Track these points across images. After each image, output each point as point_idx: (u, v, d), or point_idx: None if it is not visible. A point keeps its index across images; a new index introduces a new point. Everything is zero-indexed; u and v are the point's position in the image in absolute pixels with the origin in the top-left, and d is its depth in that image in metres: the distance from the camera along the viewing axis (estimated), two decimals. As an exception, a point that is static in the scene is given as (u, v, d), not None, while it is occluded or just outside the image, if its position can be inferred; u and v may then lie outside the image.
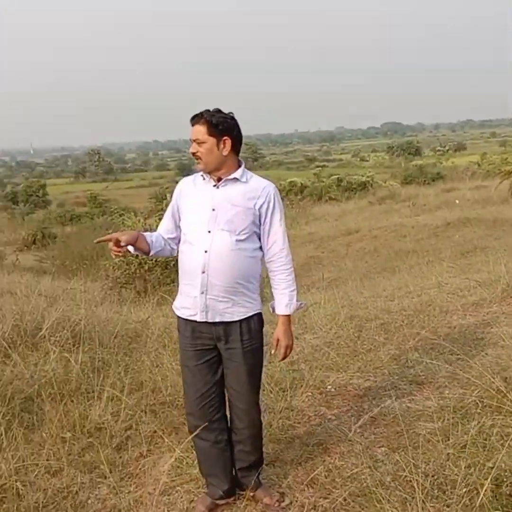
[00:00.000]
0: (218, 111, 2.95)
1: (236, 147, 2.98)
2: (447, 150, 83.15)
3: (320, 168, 56.87)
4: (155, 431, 3.88)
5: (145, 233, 3.08)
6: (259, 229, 3.00)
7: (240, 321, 2.99)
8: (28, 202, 51.07)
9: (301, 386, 4.61)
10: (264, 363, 3.11)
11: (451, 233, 15.39)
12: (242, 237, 2.94)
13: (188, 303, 3.00)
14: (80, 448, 3.72)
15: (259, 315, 3.05)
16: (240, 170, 2.99)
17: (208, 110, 2.94)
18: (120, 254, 2.94)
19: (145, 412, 4.15)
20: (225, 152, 2.92)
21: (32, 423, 3.97)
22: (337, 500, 3.03)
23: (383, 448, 3.58)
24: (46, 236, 25.14)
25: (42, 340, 5.25)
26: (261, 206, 2.96)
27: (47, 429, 3.90)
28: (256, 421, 3.11)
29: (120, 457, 3.65)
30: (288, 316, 3.05)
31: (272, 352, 3.10)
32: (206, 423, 3.03)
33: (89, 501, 3.25)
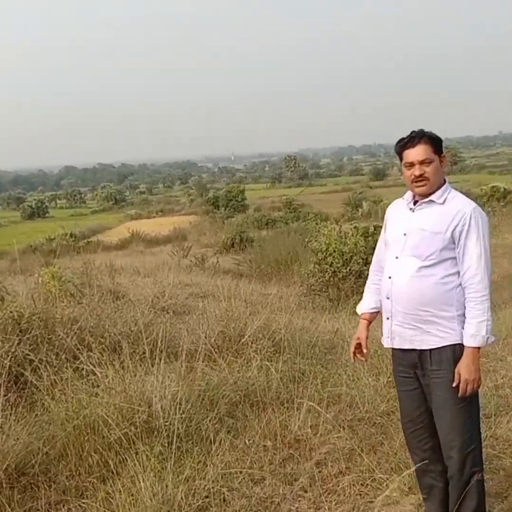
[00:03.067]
0: (422, 131, 2.92)
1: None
2: None
3: (525, 171, 53.07)
4: (353, 449, 3.90)
5: (368, 302, 3.22)
6: (455, 254, 2.86)
7: (431, 350, 2.87)
8: (228, 206, 53.73)
9: (507, 413, 4.35)
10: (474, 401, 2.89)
11: None
12: (428, 263, 2.83)
13: (383, 328, 3.03)
14: (281, 458, 3.85)
15: (457, 346, 2.84)
16: (439, 191, 2.90)
17: (414, 131, 2.92)
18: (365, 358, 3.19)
19: (343, 428, 4.18)
20: (445, 169, 2.90)
21: (236, 429, 4.19)
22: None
23: None
24: (243, 240, 26.19)
25: (245, 347, 5.50)
26: (454, 230, 2.81)
27: (250, 437, 4.08)
28: (465, 475, 2.87)
29: (320, 472, 3.71)
30: (474, 348, 2.79)
31: (454, 385, 2.82)
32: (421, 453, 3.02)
33: (290, 513, 3.35)
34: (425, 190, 2.89)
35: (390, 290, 2.93)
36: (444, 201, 2.88)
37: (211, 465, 3.56)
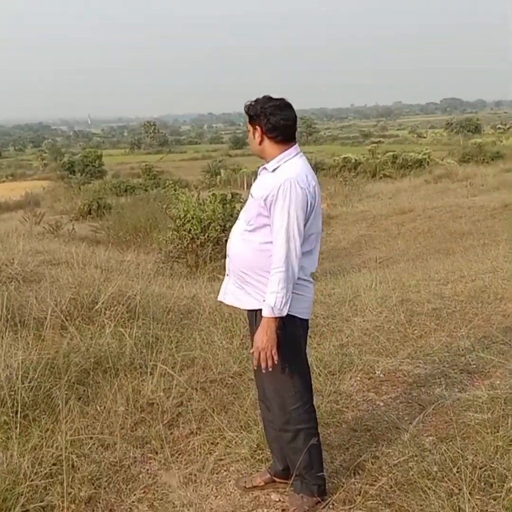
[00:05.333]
0: (263, 99, 2.92)
1: (270, 135, 2.90)
2: (508, 128, 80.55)
3: (375, 144, 55.96)
4: (205, 409, 3.97)
5: None
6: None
7: (255, 311, 2.93)
8: (84, 172, 51.95)
9: (350, 370, 4.62)
10: (285, 364, 2.88)
11: (509, 216, 14.99)
12: (250, 228, 2.93)
13: (222, 283, 3.11)
14: (133, 422, 3.84)
15: None
16: (274, 160, 2.92)
17: (257, 100, 2.93)
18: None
19: (196, 390, 4.24)
20: (257, 140, 2.94)
21: (87, 396, 4.11)
22: (383, 487, 3.05)
23: (431, 438, 3.57)
24: (101, 207, 25.46)
25: (98, 313, 5.39)
26: (266, 199, 2.84)
27: (102, 403, 4.03)
28: (282, 431, 3.00)
29: (171, 434, 3.76)
30: (268, 318, 2.77)
31: (250, 351, 2.91)
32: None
33: (141, 476, 3.36)
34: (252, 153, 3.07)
35: (228, 248, 3.05)
36: (274, 170, 2.90)
37: (60, 433, 3.48)
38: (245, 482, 3.24)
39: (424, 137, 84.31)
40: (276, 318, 2.78)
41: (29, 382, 3.83)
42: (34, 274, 7.94)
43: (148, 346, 4.88)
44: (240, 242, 2.96)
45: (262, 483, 3.20)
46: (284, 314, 2.81)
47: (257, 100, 2.93)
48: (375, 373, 4.63)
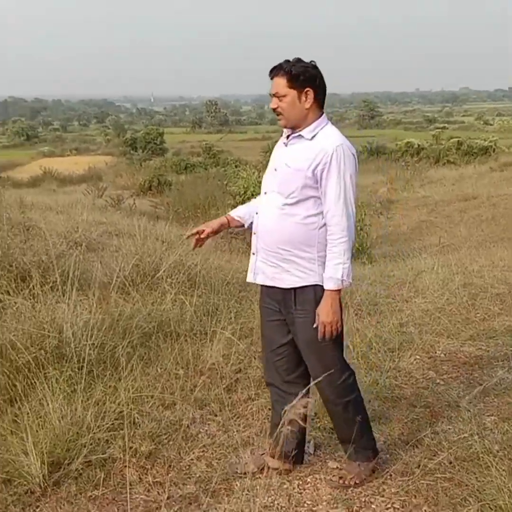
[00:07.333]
0: (299, 60, 2.74)
1: (319, 98, 2.77)
2: None
3: (439, 130, 54.57)
4: (262, 376, 3.99)
5: (238, 210, 3.07)
6: (319, 193, 2.76)
7: (295, 290, 2.82)
8: (146, 149, 52.65)
9: (410, 348, 4.57)
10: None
11: None
12: (290, 201, 2.76)
13: (250, 262, 2.96)
14: (192, 385, 3.90)
15: (318, 287, 2.79)
16: (311, 126, 2.76)
17: (288, 61, 2.74)
18: (201, 246, 3.01)
19: (254, 358, 4.28)
20: (307, 105, 2.74)
21: (148, 358, 4.20)
22: (442, 462, 3.02)
23: (492, 417, 3.52)
24: (161, 183, 25.81)
25: (160, 281, 5.47)
26: (315, 168, 2.70)
27: (162, 365, 4.11)
28: (332, 406, 2.96)
29: (230, 398, 3.80)
30: (332, 291, 2.73)
31: (313, 326, 2.79)
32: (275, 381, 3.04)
33: (199, 436, 3.42)
34: (282, 123, 2.82)
35: (256, 225, 2.89)
36: (313, 137, 2.75)
37: (122, 390, 3.57)
38: (237, 468, 3.10)
39: (491, 125, 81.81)
40: (339, 290, 2.75)
41: (93, 340, 3.92)
42: (97, 243, 8.14)
43: (207, 314, 4.94)
44: (277, 217, 2.79)
45: (255, 469, 3.06)
46: (349, 284, 2.77)
47: (299, 61, 2.74)
48: (436, 352, 4.57)
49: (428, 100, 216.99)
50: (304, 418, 2.68)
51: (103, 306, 4.54)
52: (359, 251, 9.83)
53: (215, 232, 3.01)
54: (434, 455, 3.12)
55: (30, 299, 4.32)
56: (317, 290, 2.79)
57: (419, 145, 35.08)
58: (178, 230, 11.17)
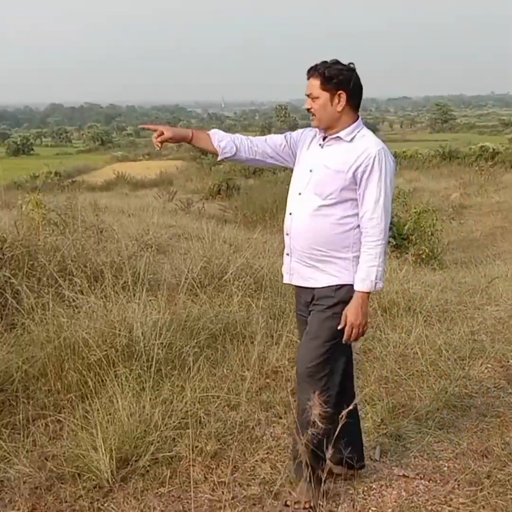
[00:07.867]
0: (336, 62, 2.73)
1: (352, 102, 2.76)
2: None
3: (515, 134, 52.90)
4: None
5: (222, 139, 2.94)
6: (356, 195, 2.74)
7: (328, 288, 2.77)
8: (216, 153, 53.20)
9: (481, 357, 4.45)
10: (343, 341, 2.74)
11: None
12: (328, 203, 2.73)
13: (284, 264, 2.95)
14: (258, 387, 3.92)
15: (351, 287, 2.74)
16: (349, 128, 2.76)
17: (325, 62, 2.73)
18: (160, 146, 2.96)
19: (320, 362, 4.25)
20: (339, 108, 2.73)
21: (215, 359, 4.25)
22: (513, 474, 2.93)
23: None
24: (230, 187, 26.10)
25: (227, 283, 5.54)
26: (356, 170, 2.69)
27: (228, 366, 4.16)
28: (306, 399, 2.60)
29: (294, 401, 3.77)
30: (363, 292, 2.69)
31: (339, 327, 2.72)
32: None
33: (264, 438, 3.43)
34: (315, 124, 2.82)
35: (290, 226, 2.85)
36: (352, 139, 2.75)
37: (189, 389, 3.63)
38: (287, 500, 2.86)
39: None
40: (370, 292, 2.71)
41: (162, 340, 4.00)
42: (167, 245, 8.32)
43: (274, 317, 4.95)
44: (313, 218, 2.76)
45: (307, 500, 2.78)
46: (381, 288, 2.75)
47: (337, 63, 2.73)
48: (508, 361, 4.43)
49: (505, 103, 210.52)
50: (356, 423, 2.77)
51: (172, 307, 4.63)
52: (429, 257, 9.62)
53: (174, 141, 3.01)
54: (505, 466, 3.03)
55: (102, 299, 4.45)
56: (348, 290, 2.75)
57: (494, 149, 34.05)
58: (246, 233, 11.27)
